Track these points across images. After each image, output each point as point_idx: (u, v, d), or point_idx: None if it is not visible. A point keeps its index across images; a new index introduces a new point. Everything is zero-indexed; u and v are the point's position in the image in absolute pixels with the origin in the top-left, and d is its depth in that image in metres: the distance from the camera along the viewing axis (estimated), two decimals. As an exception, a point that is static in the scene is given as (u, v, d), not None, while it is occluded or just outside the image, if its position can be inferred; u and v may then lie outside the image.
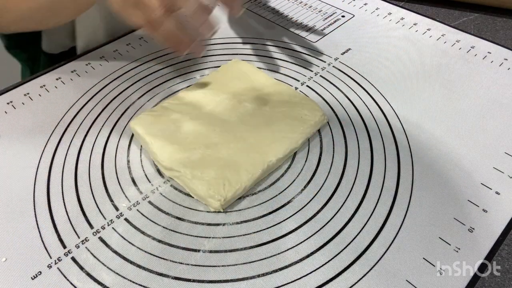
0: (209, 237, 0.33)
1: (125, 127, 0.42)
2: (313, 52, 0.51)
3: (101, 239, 0.33)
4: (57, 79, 0.48)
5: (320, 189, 0.36)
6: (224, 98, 0.42)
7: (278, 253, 0.32)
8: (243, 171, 0.35)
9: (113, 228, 0.34)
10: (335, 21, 0.56)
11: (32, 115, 0.44)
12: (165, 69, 0.49)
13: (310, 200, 0.36)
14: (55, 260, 0.32)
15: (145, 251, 0.33)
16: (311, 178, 0.37)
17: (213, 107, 0.41)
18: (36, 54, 0.60)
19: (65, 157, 0.40)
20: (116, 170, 0.38)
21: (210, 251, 0.32)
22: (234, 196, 0.35)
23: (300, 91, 0.46)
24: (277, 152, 0.37)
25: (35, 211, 0.35)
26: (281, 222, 0.34)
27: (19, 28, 0.49)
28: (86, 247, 0.33)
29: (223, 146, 0.37)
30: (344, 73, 0.48)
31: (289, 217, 0.34)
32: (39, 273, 0.31)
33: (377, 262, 0.32)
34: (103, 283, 0.31)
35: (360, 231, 0.33)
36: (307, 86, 0.46)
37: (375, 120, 0.42)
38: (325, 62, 0.50)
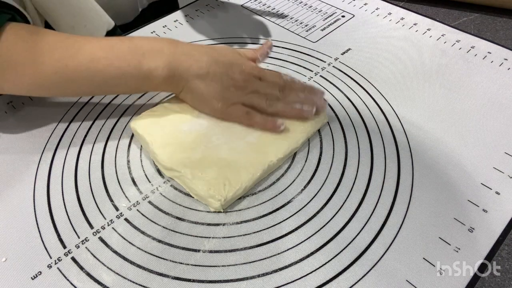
0: (209, 237, 0.33)
1: (125, 127, 0.42)
2: (313, 52, 0.51)
3: (101, 239, 0.33)
4: (57, 79, 0.48)
5: (320, 189, 0.36)
6: None
7: (278, 253, 0.32)
8: (243, 171, 0.35)
9: (113, 228, 0.34)
10: (335, 21, 0.56)
11: (32, 115, 0.44)
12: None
13: (310, 200, 0.36)
14: (55, 260, 0.32)
15: (145, 251, 0.33)
16: (311, 178, 0.37)
17: None
18: None
19: (65, 157, 0.40)
20: (116, 170, 0.38)
21: (210, 251, 0.32)
22: (234, 196, 0.35)
23: (300, 91, 0.46)
24: (278, 152, 0.37)
25: (35, 211, 0.35)
26: (281, 222, 0.34)
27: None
28: (86, 247, 0.33)
29: (223, 146, 0.37)
30: (344, 73, 0.48)
31: (289, 217, 0.34)
32: (39, 273, 0.31)
33: (377, 262, 0.32)
34: (103, 283, 0.31)
35: (360, 231, 0.33)
36: (307, 86, 0.46)
37: (375, 120, 0.42)
38: (325, 62, 0.50)
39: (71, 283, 0.31)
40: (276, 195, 0.36)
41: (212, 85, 0.38)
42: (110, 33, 0.52)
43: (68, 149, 0.40)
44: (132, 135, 0.41)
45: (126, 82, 0.38)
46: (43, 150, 0.40)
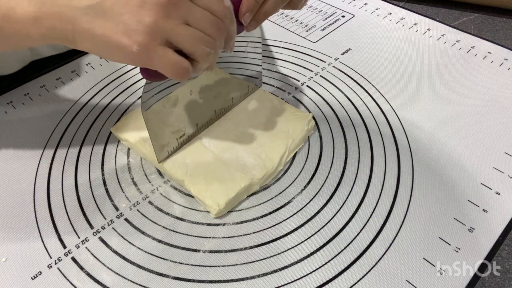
0: (209, 237, 0.33)
1: (125, 127, 0.42)
2: (313, 52, 0.51)
3: (101, 239, 0.33)
4: (57, 79, 0.48)
5: (320, 189, 0.36)
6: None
7: (278, 253, 0.32)
8: (241, 180, 0.35)
9: (113, 228, 0.34)
10: (335, 21, 0.56)
11: (32, 115, 0.44)
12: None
13: (310, 200, 0.36)
14: (55, 260, 0.32)
15: (145, 251, 0.33)
16: (311, 178, 0.37)
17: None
18: None
19: (65, 157, 0.40)
20: (116, 170, 0.38)
21: (210, 251, 0.32)
22: (233, 204, 0.35)
23: (300, 91, 0.46)
24: (275, 158, 0.37)
25: (35, 211, 0.35)
26: (281, 222, 0.34)
27: None
28: (86, 247, 0.33)
29: (218, 150, 0.37)
30: (344, 73, 0.48)
31: (289, 217, 0.34)
32: (39, 273, 0.31)
33: (377, 262, 0.32)
34: (103, 283, 0.31)
35: (360, 231, 0.33)
36: (307, 86, 0.46)
37: (375, 120, 0.42)
38: (325, 62, 0.50)
39: (71, 283, 0.31)
40: (276, 195, 0.36)
41: (114, 17, 0.25)
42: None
43: (68, 149, 0.40)
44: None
45: None
46: (43, 150, 0.40)
